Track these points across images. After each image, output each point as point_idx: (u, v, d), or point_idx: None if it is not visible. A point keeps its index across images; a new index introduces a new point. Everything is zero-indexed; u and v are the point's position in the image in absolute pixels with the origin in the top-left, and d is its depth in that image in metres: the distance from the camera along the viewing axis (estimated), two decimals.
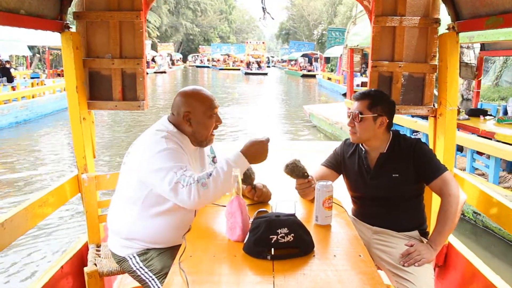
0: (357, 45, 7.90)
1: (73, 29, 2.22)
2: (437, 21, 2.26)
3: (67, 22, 2.19)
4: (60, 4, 2.15)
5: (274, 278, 1.18)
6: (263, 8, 2.69)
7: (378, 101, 1.81)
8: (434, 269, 2.09)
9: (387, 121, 1.83)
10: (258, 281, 1.19)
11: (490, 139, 4.68)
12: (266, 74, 35.62)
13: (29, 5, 1.89)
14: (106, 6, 2.23)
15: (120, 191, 1.74)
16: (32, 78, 12.92)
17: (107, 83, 2.32)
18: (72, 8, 2.25)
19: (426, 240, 1.82)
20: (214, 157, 1.96)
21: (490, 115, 5.89)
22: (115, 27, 2.25)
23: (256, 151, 1.59)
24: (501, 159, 4.38)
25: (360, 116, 1.80)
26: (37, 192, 2.05)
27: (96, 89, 2.34)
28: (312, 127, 10.49)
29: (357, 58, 8.58)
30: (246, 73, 35.56)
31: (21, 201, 2.19)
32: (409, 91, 2.37)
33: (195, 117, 1.70)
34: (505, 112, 5.91)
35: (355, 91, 1.96)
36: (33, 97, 11.16)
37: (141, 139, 1.69)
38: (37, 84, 12.36)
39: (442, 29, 2.29)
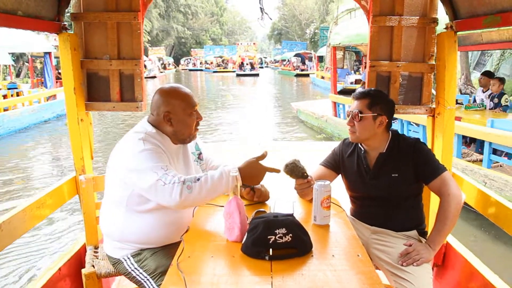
0: (339, 43, 8.81)
1: (71, 30, 2.22)
2: (435, 21, 2.26)
3: (65, 23, 2.18)
4: (57, 5, 2.15)
5: (272, 279, 1.18)
6: (261, 8, 2.69)
7: (377, 100, 1.81)
8: (433, 269, 2.09)
9: (387, 120, 1.82)
10: (256, 281, 1.18)
11: None
12: (257, 75, 35.74)
13: (26, 6, 1.89)
14: (103, 7, 2.23)
15: (108, 194, 1.74)
16: (9, 89, 11.13)
17: (105, 84, 2.32)
18: (69, 9, 2.25)
19: (425, 240, 1.82)
20: (200, 153, 1.94)
21: (461, 103, 6.61)
22: (113, 28, 2.25)
23: (252, 172, 1.58)
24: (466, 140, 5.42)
25: (359, 115, 1.79)
26: (35, 194, 2.04)
27: (94, 90, 2.33)
28: (300, 122, 10.96)
29: (339, 55, 9.81)
30: (238, 75, 35.77)
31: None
32: (407, 91, 2.37)
33: (176, 116, 1.67)
34: (475, 101, 6.63)
35: (353, 90, 1.96)
36: (5, 110, 9.83)
37: (121, 141, 1.68)
38: (12, 95, 10.87)
39: (440, 28, 2.30)
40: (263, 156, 1.63)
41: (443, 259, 2.30)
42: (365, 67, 12.21)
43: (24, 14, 1.88)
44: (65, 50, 2.13)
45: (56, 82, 13.37)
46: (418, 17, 2.25)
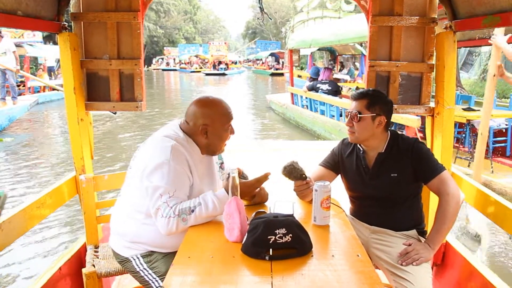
0: (293, 47, 11.35)
1: (71, 30, 2.22)
2: (434, 21, 2.26)
3: (65, 23, 2.19)
4: (57, 5, 2.15)
5: (272, 279, 1.19)
6: (260, 8, 2.70)
7: (376, 101, 1.81)
8: (432, 268, 2.10)
9: (386, 120, 1.82)
10: (256, 281, 1.19)
11: None
12: (224, 74, 36.55)
13: (26, 6, 1.89)
14: (103, 7, 2.23)
15: (126, 196, 1.72)
16: None
17: (105, 84, 2.32)
18: (69, 9, 2.25)
19: (424, 239, 1.82)
20: (222, 163, 1.95)
21: None
22: (113, 28, 2.25)
23: (244, 192, 1.65)
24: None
25: (358, 115, 1.79)
26: (35, 194, 2.04)
27: (94, 90, 2.33)
28: (270, 110, 13.66)
29: (295, 57, 12.59)
30: (206, 74, 36.86)
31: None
32: (406, 91, 2.37)
33: (213, 130, 1.67)
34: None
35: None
36: None
37: (148, 143, 1.67)
38: None
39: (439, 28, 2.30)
40: (265, 177, 1.73)
41: (443, 258, 2.31)
42: (340, 65, 13.89)
43: (23, 14, 1.88)
44: (65, 50, 2.14)
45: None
46: (417, 17, 2.26)
